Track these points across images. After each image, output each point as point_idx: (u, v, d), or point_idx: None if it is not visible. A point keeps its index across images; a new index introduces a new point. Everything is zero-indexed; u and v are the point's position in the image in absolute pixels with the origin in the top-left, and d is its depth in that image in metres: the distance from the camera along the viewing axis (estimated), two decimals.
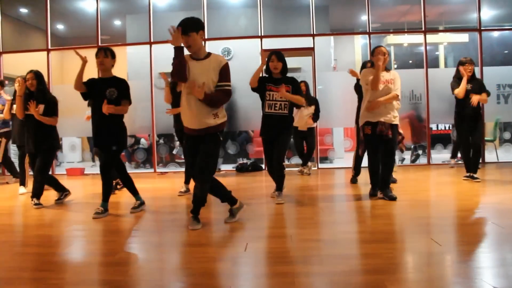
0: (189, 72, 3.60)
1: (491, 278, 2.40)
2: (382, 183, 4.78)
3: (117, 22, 11.18)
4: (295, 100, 4.73)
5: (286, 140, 4.81)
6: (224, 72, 3.63)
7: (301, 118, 7.03)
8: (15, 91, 6.25)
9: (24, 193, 6.00)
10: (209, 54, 3.69)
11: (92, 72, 8.21)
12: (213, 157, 3.69)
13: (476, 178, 5.83)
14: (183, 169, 8.73)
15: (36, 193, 5.00)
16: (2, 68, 8.92)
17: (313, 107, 7.14)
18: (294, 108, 4.95)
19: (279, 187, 4.81)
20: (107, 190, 4.43)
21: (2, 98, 7.07)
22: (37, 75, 5.05)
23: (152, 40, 8.50)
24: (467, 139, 5.89)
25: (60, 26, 10.95)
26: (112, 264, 2.92)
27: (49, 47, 8.81)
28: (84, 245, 3.51)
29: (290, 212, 4.37)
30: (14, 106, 6.17)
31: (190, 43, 3.57)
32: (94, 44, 8.59)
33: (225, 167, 8.52)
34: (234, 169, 8.30)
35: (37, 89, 4.99)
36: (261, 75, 4.89)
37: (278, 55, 4.76)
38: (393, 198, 4.65)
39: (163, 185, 6.58)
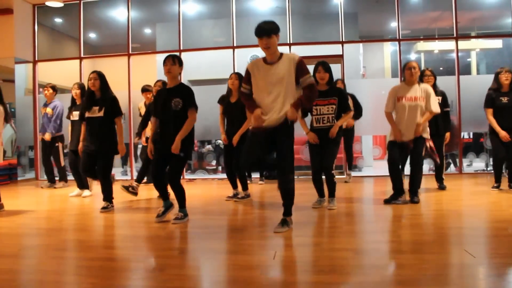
0: (262, 78, 3.75)
1: None
2: (410, 188, 5.02)
3: (148, 31, 11.39)
4: (343, 122, 4.84)
5: (336, 148, 4.85)
6: (301, 67, 3.71)
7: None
8: (72, 97, 6.40)
9: (88, 196, 6.17)
10: (281, 55, 3.78)
11: (123, 79, 8.36)
12: None
13: None
14: (211, 176, 8.80)
15: (107, 196, 5.12)
16: (37, 76, 9.19)
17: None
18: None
19: (332, 194, 4.87)
20: (182, 196, 4.41)
21: (53, 102, 7.24)
22: (100, 75, 5.11)
23: (181, 48, 8.61)
24: (501, 151, 5.73)
25: (92, 35, 11.23)
26: (142, 270, 2.96)
27: (82, 55, 9.04)
28: (116, 250, 3.56)
29: (319, 221, 4.33)
30: (74, 112, 6.33)
31: (270, 45, 3.67)
32: (125, 52, 8.78)
33: (252, 175, 8.50)
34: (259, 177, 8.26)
35: (100, 89, 5.07)
36: None
37: (324, 65, 4.72)
38: (415, 202, 4.91)
39: (191, 191, 6.63)
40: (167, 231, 4.03)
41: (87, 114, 5.10)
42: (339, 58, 8.41)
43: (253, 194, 5.86)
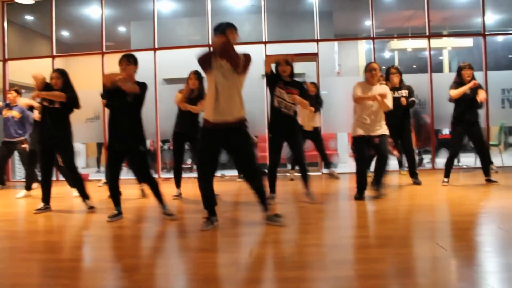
0: (218, 72, 3.93)
1: (497, 283, 2.39)
2: (376, 180, 5.13)
3: (122, 29, 11.25)
4: (303, 105, 5.03)
5: (299, 139, 5.11)
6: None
7: (306, 117, 7.02)
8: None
9: (22, 197, 6.28)
10: None
11: (96, 78, 8.22)
12: None
13: (494, 181, 5.97)
14: (188, 175, 8.75)
15: (82, 193, 5.09)
16: (7, 75, 8.98)
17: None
18: (299, 107, 5.17)
19: (307, 186, 5.05)
20: (159, 192, 4.53)
21: (18, 106, 7.09)
22: (62, 74, 4.99)
23: (156, 46, 8.53)
24: (460, 145, 6.07)
25: (65, 33, 11.02)
26: (116, 270, 2.93)
27: (54, 54, 8.86)
28: (89, 251, 3.52)
29: (294, 218, 4.36)
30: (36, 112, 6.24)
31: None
32: (99, 51, 8.65)
33: (229, 173, 8.51)
34: (238, 174, 8.28)
35: (62, 89, 4.91)
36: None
37: (285, 60, 5.05)
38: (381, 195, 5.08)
39: (166, 190, 6.59)
40: (140, 231, 4.00)
41: (44, 103, 4.92)
42: (314, 56, 8.47)
43: (228, 192, 5.85)
